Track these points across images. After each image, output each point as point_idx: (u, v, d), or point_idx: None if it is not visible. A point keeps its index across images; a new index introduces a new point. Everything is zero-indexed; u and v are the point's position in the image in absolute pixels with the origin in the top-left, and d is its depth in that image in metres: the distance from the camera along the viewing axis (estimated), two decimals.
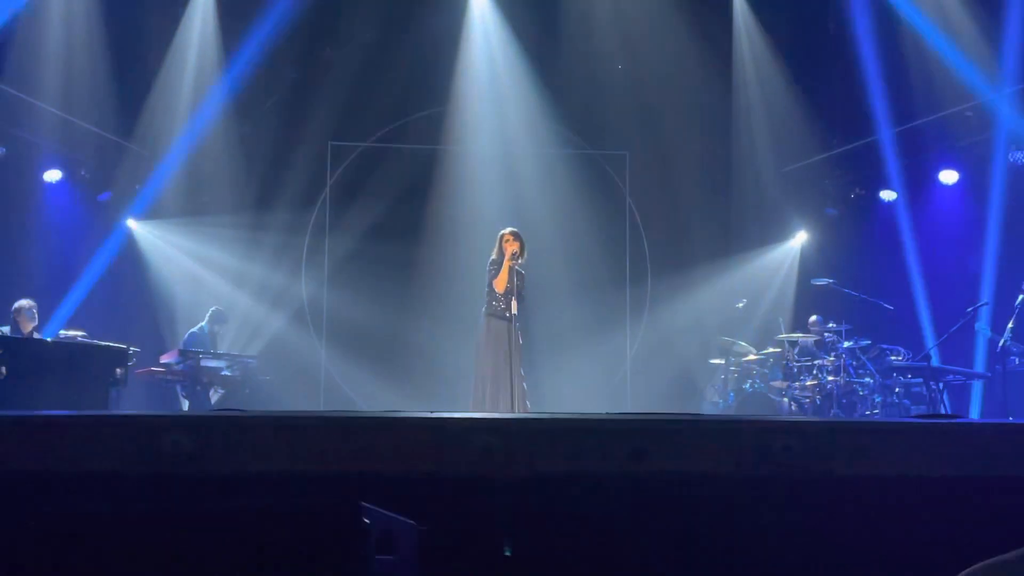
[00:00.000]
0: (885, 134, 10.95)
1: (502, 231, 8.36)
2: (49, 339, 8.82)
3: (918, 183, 11.30)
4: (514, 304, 8.06)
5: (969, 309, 9.29)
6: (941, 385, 9.25)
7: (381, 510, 2.66)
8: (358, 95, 11.50)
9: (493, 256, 8.30)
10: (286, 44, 11.14)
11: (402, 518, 2.77)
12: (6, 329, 8.73)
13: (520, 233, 8.33)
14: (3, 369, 7.79)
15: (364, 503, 2.57)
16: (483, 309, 8.26)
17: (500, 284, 8.14)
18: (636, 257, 12.32)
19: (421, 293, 11.54)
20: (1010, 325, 8.68)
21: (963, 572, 1.73)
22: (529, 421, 3.71)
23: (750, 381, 10.11)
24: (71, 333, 9.06)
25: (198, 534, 2.57)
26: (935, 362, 9.63)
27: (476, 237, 10.39)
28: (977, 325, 9.28)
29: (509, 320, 8.05)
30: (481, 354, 8.18)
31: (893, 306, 10.10)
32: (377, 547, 2.55)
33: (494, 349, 8.06)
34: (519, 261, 8.22)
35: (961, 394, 10.11)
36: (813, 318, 10.36)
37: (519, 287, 8.19)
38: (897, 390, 9.49)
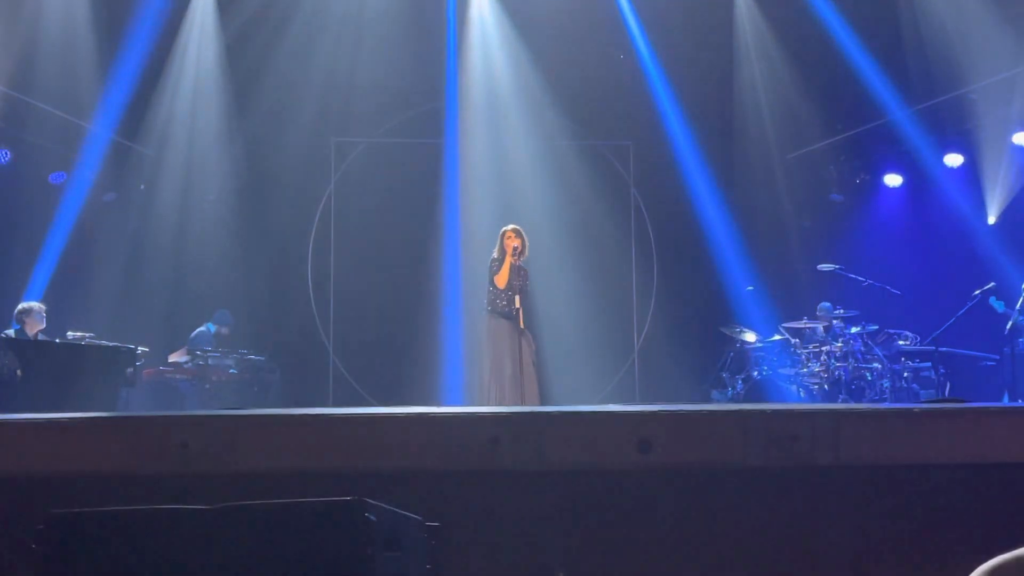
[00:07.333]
0: (889, 118, 10.91)
1: (504, 228, 8.38)
2: (58, 341, 8.83)
3: (923, 167, 11.25)
4: (516, 299, 8.07)
5: (976, 292, 9.27)
6: (950, 369, 9.22)
7: (387, 506, 2.66)
8: (361, 90, 11.48)
9: (494, 254, 8.33)
10: (286, 41, 11.14)
11: (409, 514, 2.77)
12: (12, 332, 8.73)
13: (521, 230, 8.34)
14: (18, 371, 7.82)
15: (371, 499, 2.57)
16: (485, 306, 8.28)
17: (501, 280, 8.17)
18: (642, 247, 12.30)
19: (428, 287, 11.53)
20: (1018, 307, 8.65)
21: (982, 567, 1.71)
22: (536, 414, 3.71)
23: (758, 368, 10.09)
24: (79, 334, 9.07)
25: (205, 532, 2.57)
26: (943, 346, 9.60)
27: (482, 230, 10.38)
28: (991, 299, 9.24)
29: (512, 316, 8.07)
30: (484, 350, 8.21)
31: (900, 291, 10.07)
32: (384, 543, 2.56)
33: (497, 345, 8.09)
34: (521, 258, 8.23)
35: (970, 377, 10.08)
36: (822, 306, 10.33)
37: (523, 283, 8.21)
38: (906, 375, 9.48)
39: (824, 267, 10.25)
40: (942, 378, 9.35)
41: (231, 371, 10.30)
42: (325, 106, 11.53)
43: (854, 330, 9.51)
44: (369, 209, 11.74)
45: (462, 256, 11.14)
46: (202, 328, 10.78)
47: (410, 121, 11.95)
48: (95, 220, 11.15)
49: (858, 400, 9.23)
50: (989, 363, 9.88)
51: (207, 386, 10.04)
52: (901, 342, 9.80)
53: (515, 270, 8.21)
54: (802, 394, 9.59)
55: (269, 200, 11.69)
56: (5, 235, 10.23)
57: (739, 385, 10.16)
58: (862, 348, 9.54)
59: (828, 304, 10.16)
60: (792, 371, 9.79)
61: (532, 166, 11.75)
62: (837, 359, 9.43)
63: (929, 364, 9.47)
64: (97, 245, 11.11)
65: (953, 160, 10.96)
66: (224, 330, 10.85)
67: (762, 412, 3.57)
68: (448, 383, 10.67)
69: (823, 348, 9.60)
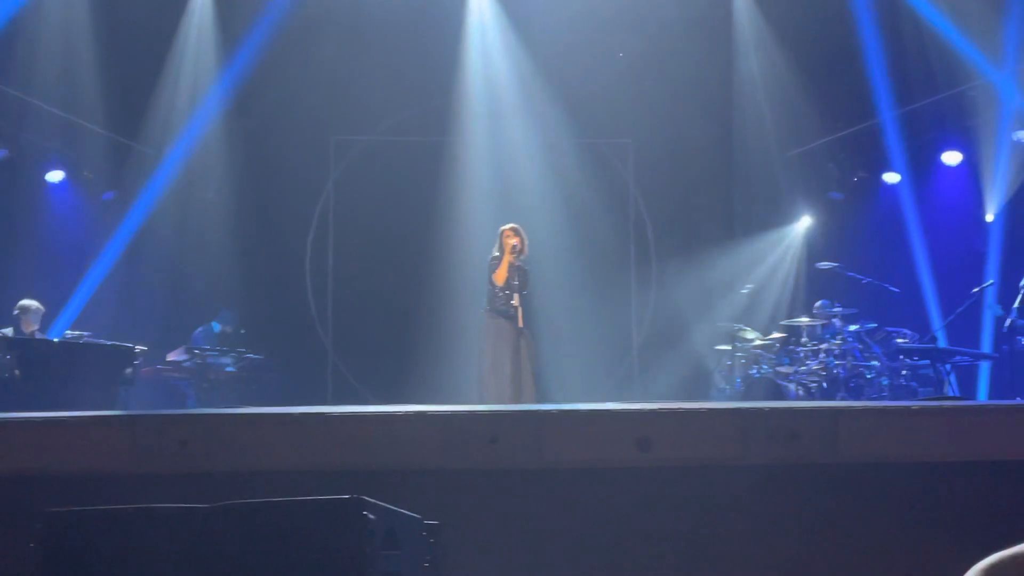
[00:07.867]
0: (888, 116, 10.90)
1: (502, 227, 8.39)
2: (56, 339, 8.82)
3: (922, 165, 11.25)
4: (516, 298, 8.08)
5: (975, 289, 9.27)
6: (948, 367, 9.22)
7: (387, 505, 2.66)
8: (360, 89, 11.47)
9: (495, 252, 8.34)
10: (286, 39, 11.13)
11: (408, 512, 2.77)
12: (9, 330, 8.72)
13: (520, 229, 8.35)
14: (16, 370, 7.81)
15: (370, 498, 2.57)
16: (484, 305, 8.29)
17: (500, 277, 8.17)
18: (640, 245, 12.30)
19: (427, 285, 11.52)
20: (1016, 304, 8.65)
21: (980, 564, 1.71)
22: (534, 412, 3.71)
23: (757, 367, 10.08)
24: (76, 333, 9.06)
25: (204, 531, 2.57)
26: (942, 343, 9.60)
27: (481, 228, 10.38)
28: (987, 303, 9.25)
29: (511, 314, 8.07)
30: (483, 349, 8.22)
31: (899, 288, 10.08)
32: (383, 542, 2.55)
33: (496, 343, 8.10)
34: (521, 256, 8.24)
35: (969, 375, 10.08)
36: (819, 303, 10.32)
37: (522, 282, 8.22)
38: (904, 372, 9.46)
39: (823, 265, 10.25)
40: (941, 376, 9.35)
41: (229, 369, 10.29)
42: (325, 104, 11.51)
43: (853, 328, 9.50)
44: (368, 207, 11.72)
45: (461, 254, 11.12)
46: (203, 327, 10.79)
47: (410, 119, 11.94)
48: (94, 219, 11.15)
49: (857, 398, 9.22)
50: (988, 361, 9.88)
51: (205, 385, 10.03)
52: (900, 340, 9.78)
53: (514, 269, 8.21)
54: (801, 392, 9.58)
55: (268, 198, 11.67)
56: (3, 234, 10.23)
57: (738, 383, 10.15)
58: (860, 346, 9.54)
59: (826, 301, 10.15)
60: (791, 369, 9.78)
61: (531, 164, 11.75)
62: (836, 357, 9.42)
63: (928, 362, 9.46)
64: (96, 244, 11.10)
65: (952, 158, 10.96)
66: (228, 329, 10.88)
67: (761, 410, 3.58)
68: (447, 382, 10.65)
69: (822, 346, 9.59)
